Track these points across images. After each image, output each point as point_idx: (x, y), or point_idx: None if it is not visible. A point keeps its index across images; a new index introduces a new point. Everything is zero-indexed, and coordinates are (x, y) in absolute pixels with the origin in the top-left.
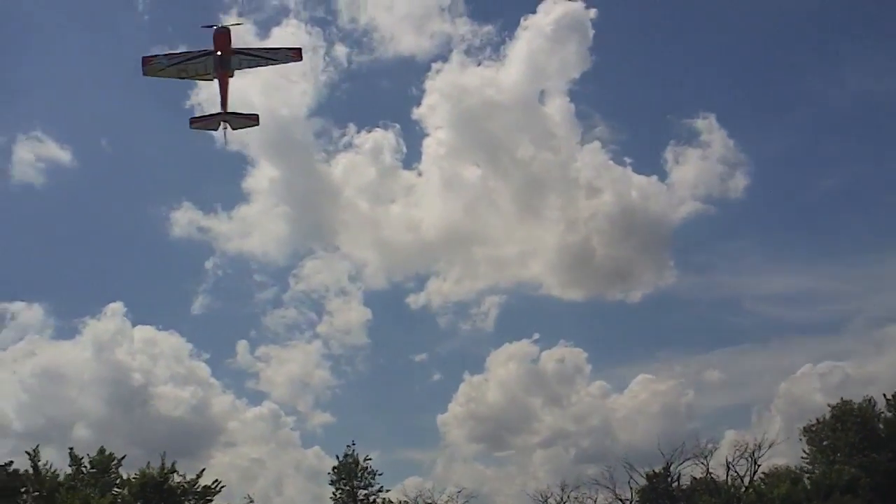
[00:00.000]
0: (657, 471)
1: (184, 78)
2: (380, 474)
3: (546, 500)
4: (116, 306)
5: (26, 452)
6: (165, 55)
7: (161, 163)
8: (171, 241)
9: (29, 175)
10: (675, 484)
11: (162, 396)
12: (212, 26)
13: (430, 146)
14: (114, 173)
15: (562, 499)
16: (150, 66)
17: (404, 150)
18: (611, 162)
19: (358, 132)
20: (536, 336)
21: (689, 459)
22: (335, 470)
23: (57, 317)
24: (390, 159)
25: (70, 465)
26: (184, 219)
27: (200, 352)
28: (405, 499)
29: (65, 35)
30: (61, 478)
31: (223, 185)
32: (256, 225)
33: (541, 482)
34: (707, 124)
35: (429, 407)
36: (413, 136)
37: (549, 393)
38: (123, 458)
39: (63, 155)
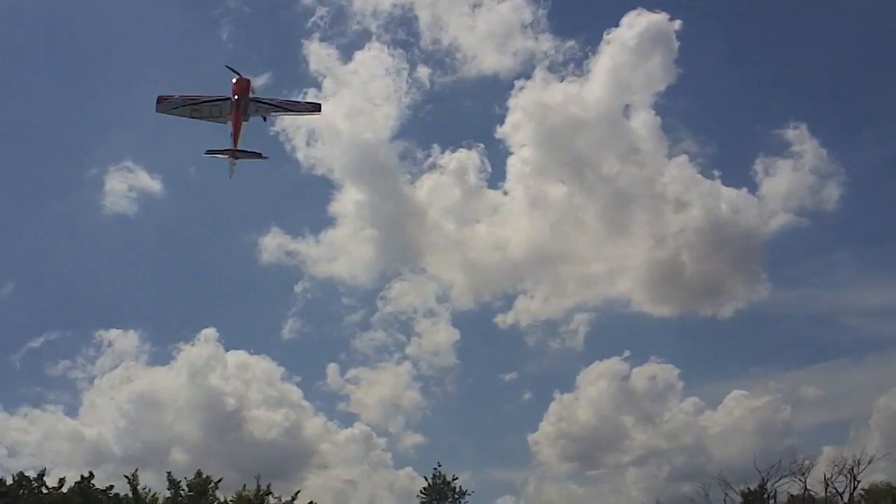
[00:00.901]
0: (753, 488)
1: (195, 118)
2: (470, 494)
3: None
4: (209, 332)
5: (125, 476)
6: (181, 96)
7: (248, 189)
8: (260, 267)
9: (121, 205)
10: (772, 501)
11: (255, 420)
12: (234, 72)
13: (514, 165)
14: (203, 201)
15: None
16: (164, 104)
17: (489, 169)
18: (699, 175)
19: (442, 153)
20: (627, 353)
21: (785, 476)
22: (425, 491)
23: (152, 343)
24: (475, 179)
25: (168, 489)
26: (272, 244)
27: (292, 375)
28: None
29: (151, 66)
30: (160, 501)
31: (310, 209)
32: (343, 248)
33: (634, 501)
34: (798, 134)
35: (519, 426)
36: (497, 155)
37: (640, 410)
38: (220, 480)
39: (153, 184)
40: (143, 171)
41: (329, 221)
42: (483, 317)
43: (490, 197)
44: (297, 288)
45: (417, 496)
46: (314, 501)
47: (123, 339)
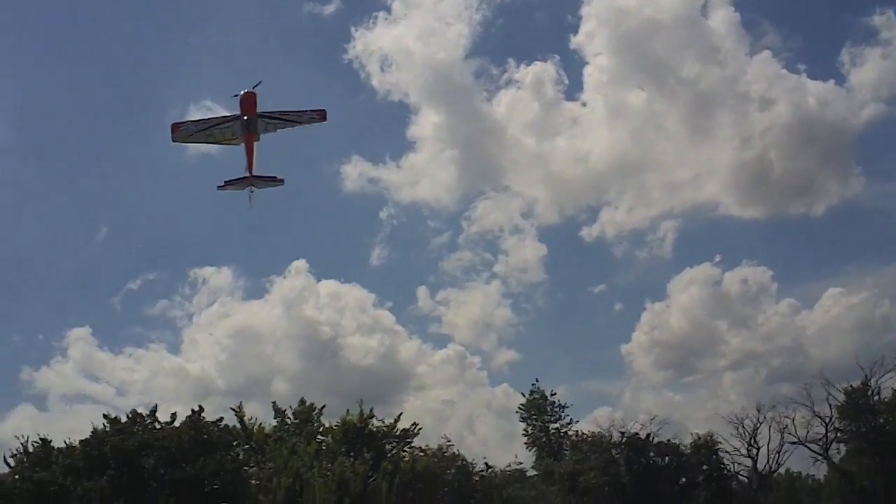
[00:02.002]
0: (855, 385)
1: (211, 143)
2: (568, 407)
3: (742, 423)
4: (300, 264)
5: (232, 409)
6: (194, 122)
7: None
8: (344, 196)
9: (205, 144)
10: (876, 397)
11: (351, 347)
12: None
13: (591, 74)
14: (282, 134)
15: (758, 420)
16: (179, 132)
17: (566, 81)
18: (783, 71)
19: (517, 67)
20: (717, 258)
21: (889, 372)
22: (524, 407)
23: (245, 278)
24: (552, 92)
25: (274, 418)
26: (354, 172)
27: (383, 301)
28: (598, 429)
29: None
30: (268, 430)
31: (389, 135)
32: (425, 172)
33: (733, 405)
34: (885, 20)
35: (611, 337)
36: (573, 66)
37: (734, 315)
38: (323, 407)
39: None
40: (222, 109)
41: (409, 146)
42: (569, 230)
43: (568, 109)
44: (382, 214)
45: (516, 412)
46: (416, 422)
47: (218, 276)
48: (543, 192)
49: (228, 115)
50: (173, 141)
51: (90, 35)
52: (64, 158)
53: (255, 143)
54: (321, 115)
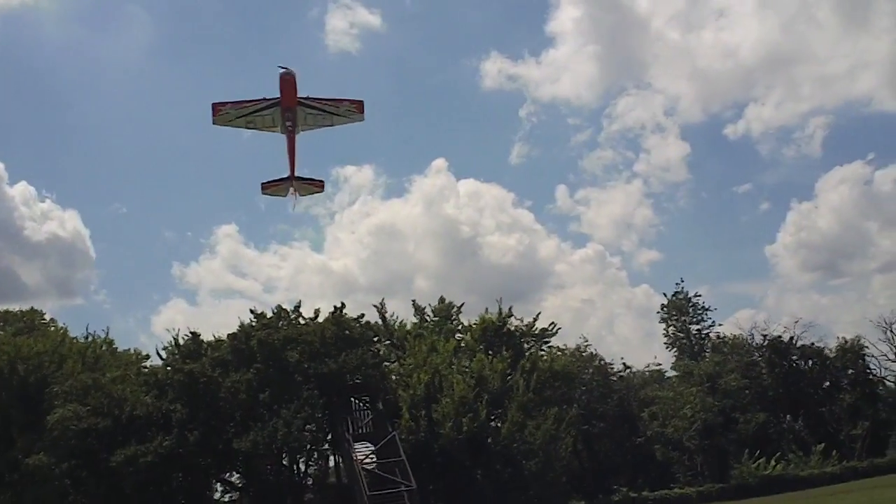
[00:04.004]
0: None
1: (252, 129)
2: (713, 310)
3: (890, 327)
4: (440, 162)
5: (374, 306)
6: (233, 104)
7: (464, 15)
8: (483, 93)
9: (344, 42)
10: None
11: (490, 245)
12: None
13: None
14: (421, 31)
15: None
16: (220, 115)
17: None
18: None
19: None
20: (871, 156)
21: None
22: (665, 308)
23: (386, 177)
24: None
25: (414, 315)
26: (493, 69)
27: (522, 199)
28: (739, 331)
29: None
30: (408, 327)
31: (527, 30)
32: (565, 68)
33: (882, 308)
34: None
35: (756, 238)
36: None
37: (887, 215)
38: (462, 305)
39: (373, 19)
40: (361, 7)
41: (548, 41)
42: (713, 128)
43: (715, 1)
44: (522, 112)
45: (657, 312)
46: (554, 322)
47: (359, 175)
48: (687, 89)
49: (269, 98)
50: (214, 123)
51: None
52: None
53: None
54: (359, 108)
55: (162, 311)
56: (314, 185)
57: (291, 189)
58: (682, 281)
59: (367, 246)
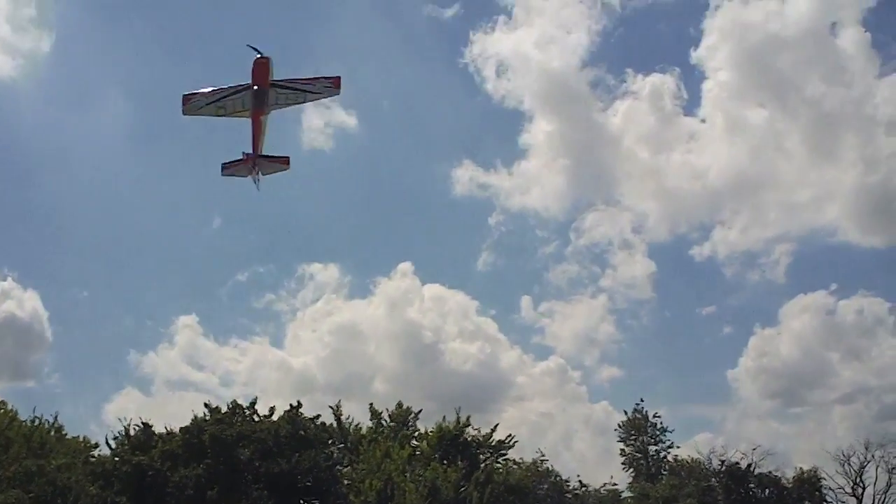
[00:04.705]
0: None
1: (221, 116)
2: (671, 431)
3: (848, 460)
4: (406, 266)
5: (330, 407)
6: (204, 93)
7: (440, 122)
8: (453, 199)
9: (319, 141)
10: None
11: (452, 352)
12: (254, 49)
13: (711, 90)
14: (396, 135)
15: (865, 458)
16: (189, 105)
17: (685, 95)
18: None
19: (635, 77)
20: (833, 286)
21: None
22: (623, 425)
23: (352, 276)
24: (670, 105)
25: (371, 419)
26: (465, 176)
27: (487, 308)
28: (697, 455)
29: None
30: (363, 431)
31: (501, 141)
32: (536, 180)
33: (841, 440)
34: None
35: (718, 361)
36: (692, 81)
37: (847, 346)
38: (420, 412)
39: (349, 120)
40: (339, 107)
41: (520, 153)
42: (679, 248)
43: (686, 124)
44: (491, 220)
45: (615, 430)
46: (512, 434)
47: (325, 273)
48: (655, 208)
49: (241, 83)
50: (183, 114)
51: (210, 32)
52: (182, 147)
53: (265, 119)
54: (335, 84)
55: (115, 400)
56: (280, 163)
57: (254, 170)
58: (643, 400)
59: (327, 345)
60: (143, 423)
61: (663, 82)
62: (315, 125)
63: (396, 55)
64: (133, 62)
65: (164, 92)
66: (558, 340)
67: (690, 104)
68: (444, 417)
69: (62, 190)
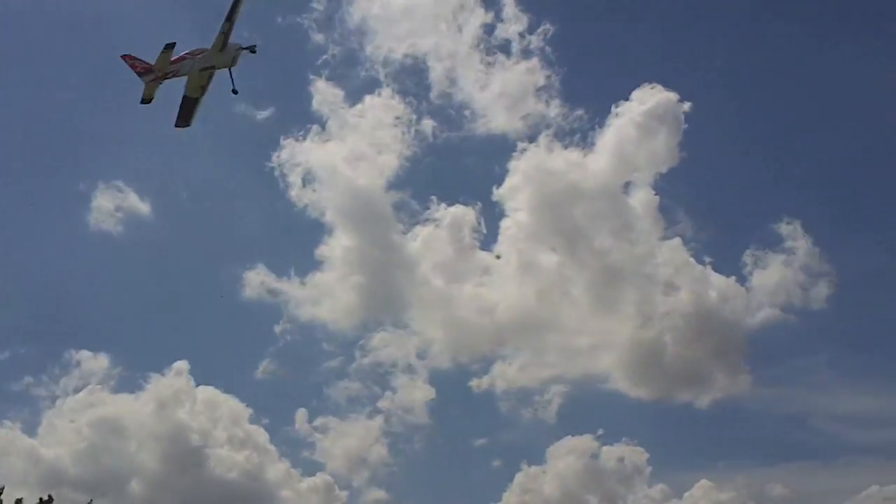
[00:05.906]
0: None
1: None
2: None
3: None
4: (182, 365)
5: None
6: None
7: (237, 222)
8: (241, 302)
9: (107, 224)
10: None
11: (218, 458)
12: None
13: (508, 228)
14: (190, 229)
15: None
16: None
17: (484, 230)
18: (691, 259)
19: (439, 206)
20: (600, 431)
21: None
22: None
23: (122, 369)
24: (469, 238)
25: None
26: (256, 280)
27: (260, 416)
28: None
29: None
30: None
31: (298, 250)
32: (328, 293)
33: None
34: (792, 230)
35: (484, 494)
36: (492, 216)
37: (606, 491)
38: None
39: (143, 207)
40: (132, 192)
41: (316, 264)
42: (460, 378)
43: (481, 258)
44: (277, 328)
45: None
46: None
47: (93, 362)
48: (442, 336)
49: None
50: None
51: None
52: None
53: None
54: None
55: None
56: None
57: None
58: None
59: (84, 438)
60: None
61: (465, 214)
62: (105, 207)
63: (202, 149)
64: None
65: None
66: (329, 457)
67: (488, 239)
68: None
69: None
